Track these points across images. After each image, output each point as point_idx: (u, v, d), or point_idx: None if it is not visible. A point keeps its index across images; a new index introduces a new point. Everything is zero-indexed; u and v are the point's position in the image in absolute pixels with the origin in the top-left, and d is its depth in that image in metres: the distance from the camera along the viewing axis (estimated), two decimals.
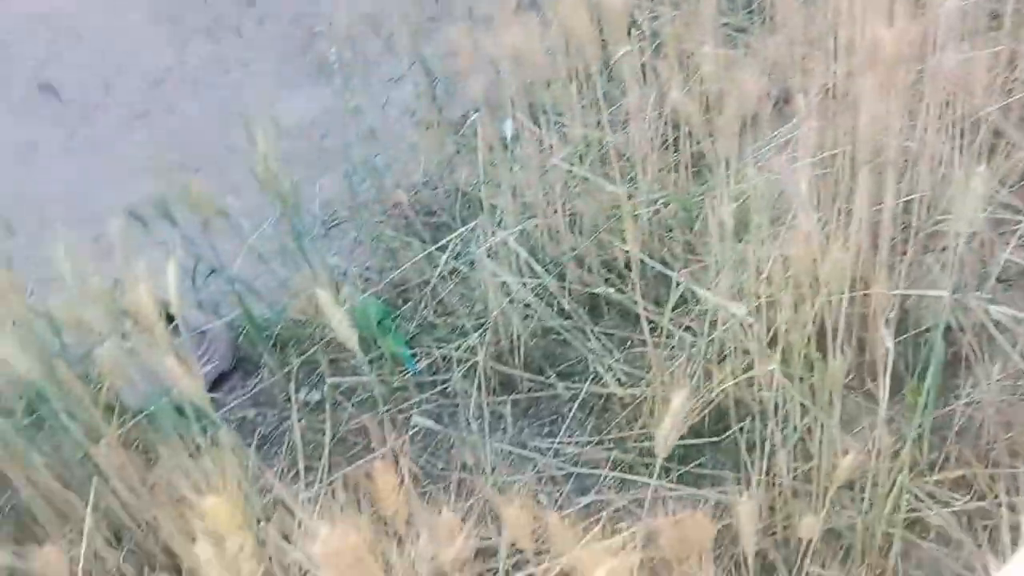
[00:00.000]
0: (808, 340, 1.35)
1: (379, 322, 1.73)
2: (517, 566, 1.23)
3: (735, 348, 1.50)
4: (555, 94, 1.82)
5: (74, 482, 1.14)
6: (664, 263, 1.64)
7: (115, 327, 1.14)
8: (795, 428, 1.37)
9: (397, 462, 1.59)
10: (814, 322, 1.32)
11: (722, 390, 1.54)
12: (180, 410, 1.18)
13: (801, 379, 1.34)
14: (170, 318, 1.46)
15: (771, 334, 1.43)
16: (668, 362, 1.58)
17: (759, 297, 1.37)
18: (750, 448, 1.55)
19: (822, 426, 1.31)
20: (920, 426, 1.33)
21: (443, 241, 1.77)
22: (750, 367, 1.49)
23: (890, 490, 1.24)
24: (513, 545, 1.15)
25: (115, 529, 1.31)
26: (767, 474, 1.39)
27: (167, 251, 1.60)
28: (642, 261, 1.76)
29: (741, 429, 1.51)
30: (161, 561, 1.34)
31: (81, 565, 0.98)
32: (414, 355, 1.78)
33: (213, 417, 1.11)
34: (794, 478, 1.39)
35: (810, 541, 1.25)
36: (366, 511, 1.28)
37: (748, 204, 1.68)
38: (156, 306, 1.33)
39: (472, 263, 1.91)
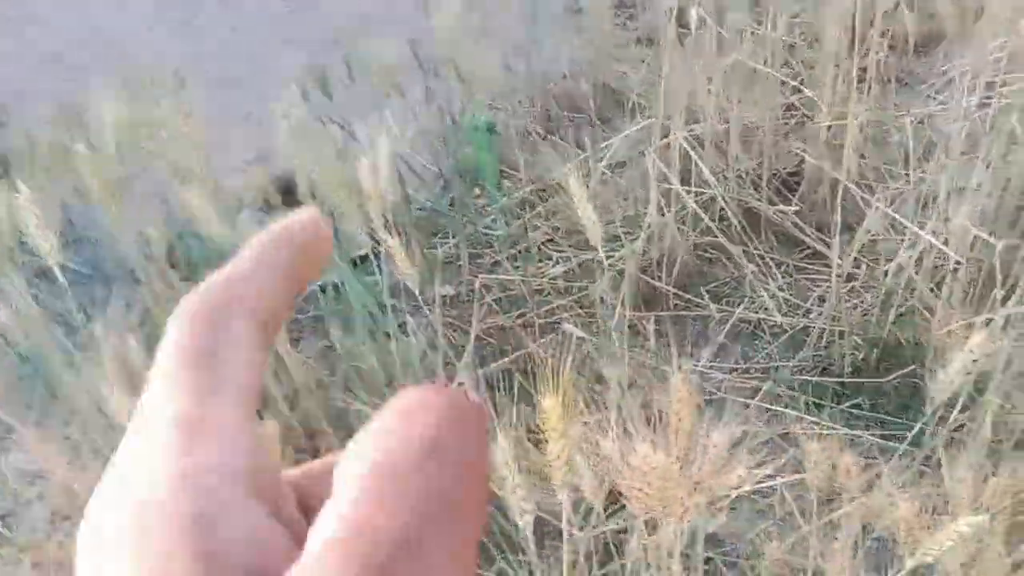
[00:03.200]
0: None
1: (488, 130, 1.64)
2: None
3: (912, 286, 1.36)
4: None
5: None
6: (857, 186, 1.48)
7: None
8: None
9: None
10: None
11: (892, 326, 1.41)
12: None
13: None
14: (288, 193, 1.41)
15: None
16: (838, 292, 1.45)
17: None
18: (915, 392, 1.43)
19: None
20: None
21: (606, 143, 1.65)
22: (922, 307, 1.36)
23: None
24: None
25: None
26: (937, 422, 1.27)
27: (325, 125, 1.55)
28: (819, 182, 1.60)
29: (913, 374, 1.39)
30: (296, 441, 1.34)
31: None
32: (500, 189, 1.70)
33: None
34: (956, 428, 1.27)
35: None
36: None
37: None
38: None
39: (609, 169, 1.79)
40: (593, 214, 0.87)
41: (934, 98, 1.91)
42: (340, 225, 1.18)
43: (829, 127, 1.61)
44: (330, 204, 1.16)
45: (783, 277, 1.60)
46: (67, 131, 1.19)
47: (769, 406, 1.45)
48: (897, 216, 1.31)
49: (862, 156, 1.69)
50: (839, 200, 1.30)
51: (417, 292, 1.00)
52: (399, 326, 1.44)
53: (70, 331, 1.06)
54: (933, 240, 1.26)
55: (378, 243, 1.16)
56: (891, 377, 1.40)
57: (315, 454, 1.37)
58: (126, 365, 0.82)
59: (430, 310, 1.50)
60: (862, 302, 1.46)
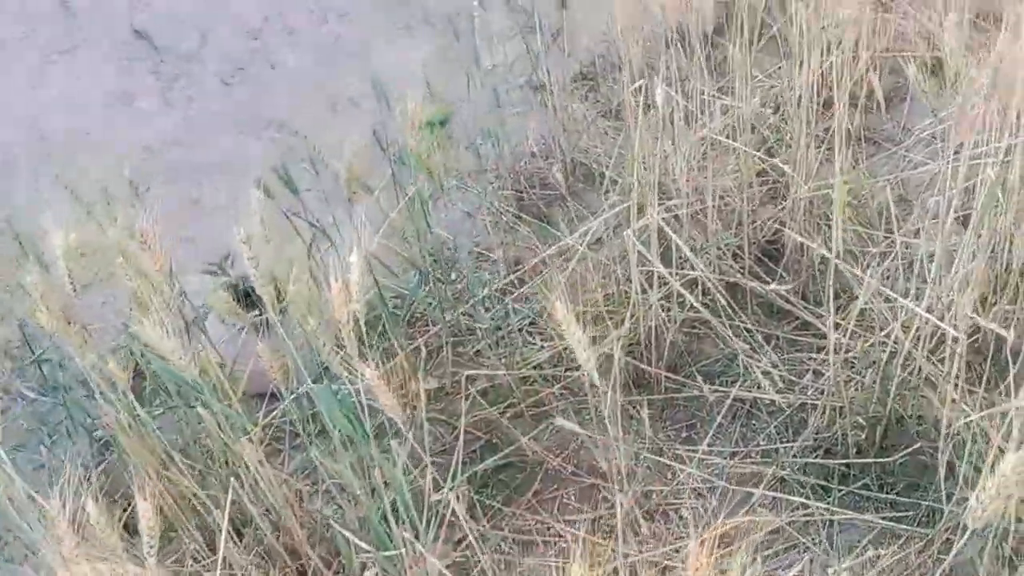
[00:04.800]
0: None
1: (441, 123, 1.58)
2: None
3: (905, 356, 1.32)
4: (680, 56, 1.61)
5: (208, 477, 1.03)
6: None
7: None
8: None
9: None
10: None
11: (895, 402, 1.36)
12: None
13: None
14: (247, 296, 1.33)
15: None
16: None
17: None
18: (923, 470, 1.38)
19: None
20: None
21: (584, 227, 1.60)
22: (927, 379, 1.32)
23: None
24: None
25: (238, 523, 1.21)
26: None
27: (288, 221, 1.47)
28: (802, 252, 1.58)
29: (920, 451, 1.35)
30: (281, 561, 1.23)
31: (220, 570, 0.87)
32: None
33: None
34: None
35: None
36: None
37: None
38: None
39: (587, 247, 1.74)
40: (584, 337, 0.81)
41: (904, 156, 1.91)
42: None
43: (804, 199, 1.59)
44: (298, 319, 1.09)
45: (775, 352, 1.56)
46: (11, 248, 1.10)
47: (775, 494, 1.39)
48: (891, 293, 1.27)
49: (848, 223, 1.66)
50: (830, 276, 1.26)
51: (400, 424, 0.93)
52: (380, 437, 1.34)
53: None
54: (929, 316, 1.22)
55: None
56: (897, 456, 1.35)
57: (301, 574, 1.25)
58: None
59: (413, 407, 1.41)
60: (860, 376, 1.41)
